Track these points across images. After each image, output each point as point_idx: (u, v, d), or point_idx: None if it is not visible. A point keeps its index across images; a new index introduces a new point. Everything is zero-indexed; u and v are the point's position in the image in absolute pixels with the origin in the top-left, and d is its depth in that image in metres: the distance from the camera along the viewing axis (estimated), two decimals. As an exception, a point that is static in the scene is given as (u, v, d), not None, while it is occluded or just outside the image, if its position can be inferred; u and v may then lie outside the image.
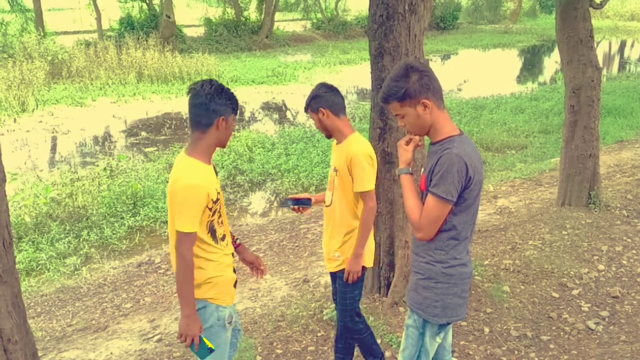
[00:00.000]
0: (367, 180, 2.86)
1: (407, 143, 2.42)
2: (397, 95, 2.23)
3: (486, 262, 4.78)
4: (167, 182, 2.86)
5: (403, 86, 2.21)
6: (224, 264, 2.57)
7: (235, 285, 2.67)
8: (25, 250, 5.91)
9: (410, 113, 2.25)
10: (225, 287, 2.57)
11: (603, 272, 4.66)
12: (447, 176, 2.15)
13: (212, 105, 2.42)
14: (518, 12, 34.24)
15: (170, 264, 5.54)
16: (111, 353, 3.95)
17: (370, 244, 3.06)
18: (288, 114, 13.64)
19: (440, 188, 2.17)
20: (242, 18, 24.91)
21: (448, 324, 2.43)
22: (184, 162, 2.45)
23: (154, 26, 20.57)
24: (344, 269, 3.00)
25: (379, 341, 3.71)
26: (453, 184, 2.15)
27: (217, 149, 2.59)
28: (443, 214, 2.22)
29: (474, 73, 18.89)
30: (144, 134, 11.27)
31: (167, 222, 6.66)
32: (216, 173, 2.62)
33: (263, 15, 25.13)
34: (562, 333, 3.87)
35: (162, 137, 10.97)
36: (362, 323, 3.17)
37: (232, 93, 2.52)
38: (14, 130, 11.17)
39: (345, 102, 3.12)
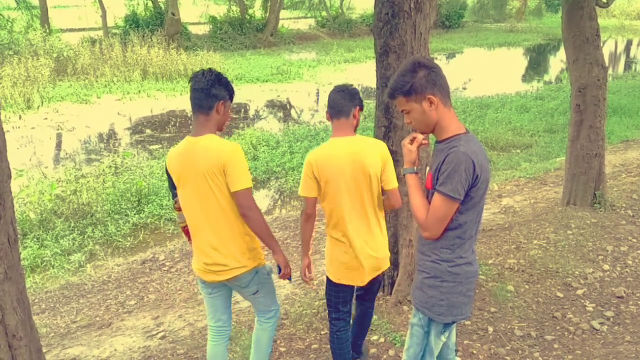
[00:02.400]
0: (300, 186, 2.92)
1: (411, 142, 2.41)
2: (403, 90, 2.23)
3: (490, 262, 4.77)
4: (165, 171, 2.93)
5: (409, 81, 2.20)
6: None
7: None
8: (30, 246, 5.94)
9: (415, 109, 2.25)
10: (261, 249, 2.94)
11: (608, 272, 4.64)
12: (454, 174, 2.14)
13: (213, 91, 2.69)
14: (523, 10, 34.22)
15: (174, 262, 5.55)
16: (115, 350, 3.96)
17: (340, 256, 2.95)
18: (292, 112, 13.64)
19: (447, 186, 2.16)
20: (247, 16, 24.92)
21: (453, 322, 2.42)
22: (208, 139, 2.68)
23: (159, 24, 20.60)
24: None
25: (382, 340, 3.71)
26: (460, 183, 2.15)
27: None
28: (450, 212, 2.22)
29: (479, 72, 18.84)
30: (148, 131, 11.30)
31: (171, 219, 6.71)
32: None
33: (268, 13, 25.14)
34: (566, 333, 3.86)
35: (167, 135, 10.99)
36: (332, 327, 3.14)
37: (229, 81, 2.80)
38: (19, 127, 11.21)
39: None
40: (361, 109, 2.98)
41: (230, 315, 3.17)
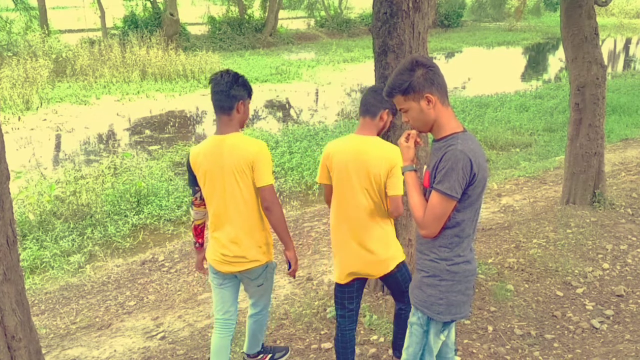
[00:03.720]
0: (317, 174, 3.09)
1: (407, 140, 2.42)
2: (401, 88, 2.23)
3: (490, 261, 4.77)
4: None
5: (407, 79, 2.21)
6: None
7: None
8: (30, 248, 5.93)
9: (413, 107, 2.25)
10: (272, 245, 3.13)
11: (607, 271, 4.64)
12: (451, 173, 2.14)
13: (232, 92, 2.83)
14: (522, 9, 34.19)
15: (173, 262, 5.55)
16: (115, 350, 3.96)
17: (338, 251, 3.03)
18: (292, 112, 13.63)
19: (445, 185, 2.16)
20: (245, 16, 24.90)
21: (452, 321, 2.42)
22: (236, 137, 2.86)
23: (158, 24, 20.57)
24: None
25: (381, 339, 3.71)
26: (457, 181, 2.15)
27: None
28: (447, 210, 2.22)
29: (478, 71, 18.84)
30: (147, 132, 11.29)
31: (170, 220, 6.71)
32: None
33: (267, 13, 25.13)
34: (566, 332, 3.86)
35: (166, 135, 10.99)
36: (337, 326, 3.17)
37: (246, 80, 2.93)
38: (18, 129, 11.20)
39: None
40: (393, 113, 2.97)
41: (237, 308, 3.27)
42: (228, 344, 3.21)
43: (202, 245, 3.25)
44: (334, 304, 4.08)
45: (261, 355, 3.48)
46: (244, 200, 2.88)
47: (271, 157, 2.91)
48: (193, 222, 3.19)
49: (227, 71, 2.89)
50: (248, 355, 3.47)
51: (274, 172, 8.38)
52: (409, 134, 2.41)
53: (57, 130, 11.31)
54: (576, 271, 4.60)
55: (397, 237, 3.99)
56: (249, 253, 2.97)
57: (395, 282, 3.13)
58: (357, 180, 2.84)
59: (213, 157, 2.85)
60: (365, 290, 4.21)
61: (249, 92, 2.93)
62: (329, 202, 3.08)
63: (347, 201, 2.89)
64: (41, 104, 12.97)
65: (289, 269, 3.15)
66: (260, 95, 14.78)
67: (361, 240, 2.92)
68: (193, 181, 3.01)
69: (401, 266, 3.06)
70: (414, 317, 2.47)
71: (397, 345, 3.40)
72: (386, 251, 2.96)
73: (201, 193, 3.01)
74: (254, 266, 3.01)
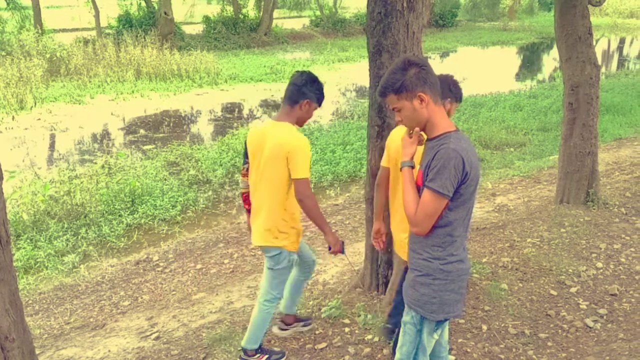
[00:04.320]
0: None
1: (410, 136, 2.42)
2: (393, 87, 2.24)
3: (484, 260, 4.78)
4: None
5: (400, 78, 2.22)
6: (298, 218, 3.29)
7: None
8: (24, 248, 5.91)
9: (406, 106, 2.26)
10: (297, 237, 3.31)
11: (601, 270, 4.66)
12: (443, 171, 2.16)
13: (303, 89, 3.11)
14: (516, 9, 34.32)
15: (168, 262, 5.54)
16: (109, 351, 3.95)
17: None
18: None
19: (437, 183, 2.17)
20: (240, 15, 24.91)
21: (445, 320, 2.43)
22: (284, 126, 3.11)
23: (152, 23, 20.55)
24: None
25: (376, 339, 3.72)
26: (449, 179, 2.16)
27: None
28: (439, 208, 2.23)
29: (473, 70, 18.88)
30: (142, 131, 11.26)
31: (165, 219, 6.70)
32: None
33: (262, 13, 25.14)
34: (560, 331, 3.87)
35: (161, 135, 10.96)
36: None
37: (322, 86, 3.20)
38: (12, 128, 11.16)
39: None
40: (457, 100, 3.27)
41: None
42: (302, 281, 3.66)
43: (249, 211, 3.48)
44: (328, 304, 4.11)
45: (258, 355, 3.48)
46: (273, 184, 3.12)
47: (309, 153, 3.08)
48: (241, 189, 3.53)
49: (309, 72, 3.18)
50: (245, 352, 3.47)
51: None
52: (412, 131, 2.41)
53: (51, 130, 11.27)
54: (570, 270, 4.61)
55: (392, 236, 4.00)
56: (263, 231, 3.22)
57: None
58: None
59: (261, 139, 3.14)
60: (359, 289, 4.23)
61: (318, 97, 3.17)
62: (379, 185, 3.18)
63: (396, 189, 3.04)
64: (35, 103, 12.92)
65: (329, 250, 3.37)
66: (255, 95, 14.77)
67: (404, 228, 3.01)
68: (246, 154, 3.33)
69: None
70: (407, 316, 2.48)
71: None
72: None
73: (249, 165, 3.31)
74: (264, 244, 3.25)
